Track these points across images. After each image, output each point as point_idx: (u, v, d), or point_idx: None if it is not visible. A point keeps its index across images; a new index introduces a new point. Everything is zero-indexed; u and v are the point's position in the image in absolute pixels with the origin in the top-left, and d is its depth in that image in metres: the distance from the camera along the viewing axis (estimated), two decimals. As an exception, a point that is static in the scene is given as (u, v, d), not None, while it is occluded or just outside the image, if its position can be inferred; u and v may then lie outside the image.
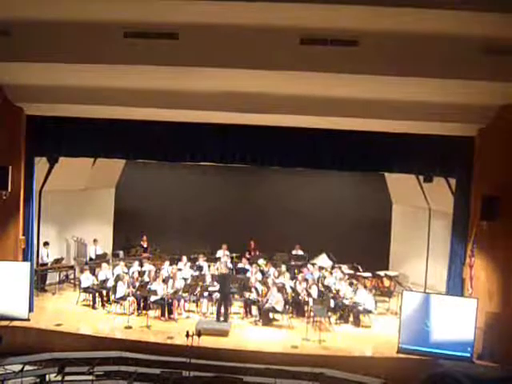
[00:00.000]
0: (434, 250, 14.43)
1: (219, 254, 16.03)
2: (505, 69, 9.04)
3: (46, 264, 14.66)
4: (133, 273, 13.90)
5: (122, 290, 12.92)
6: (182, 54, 9.35)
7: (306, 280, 13.55)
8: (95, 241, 15.69)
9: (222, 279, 12.82)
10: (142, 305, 12.86)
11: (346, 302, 12.88)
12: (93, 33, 9.27)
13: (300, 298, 13.03)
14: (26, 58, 9.62)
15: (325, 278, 14.23)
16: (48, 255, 14.77)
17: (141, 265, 14.63)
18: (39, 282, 14.11)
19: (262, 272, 14.52)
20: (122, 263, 14.36)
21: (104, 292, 13.51)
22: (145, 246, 16.78)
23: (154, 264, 15.01)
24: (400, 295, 11.86)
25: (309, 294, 12.91)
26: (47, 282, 14.74)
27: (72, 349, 10.80)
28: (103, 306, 13.39)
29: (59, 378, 9.64)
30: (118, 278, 13.24)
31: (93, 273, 14.09)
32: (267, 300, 12.63)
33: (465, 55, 9.02)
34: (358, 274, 15.01)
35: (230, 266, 14.89)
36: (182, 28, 9.11)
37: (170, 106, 11.20)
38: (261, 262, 15.25)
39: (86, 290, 13.51)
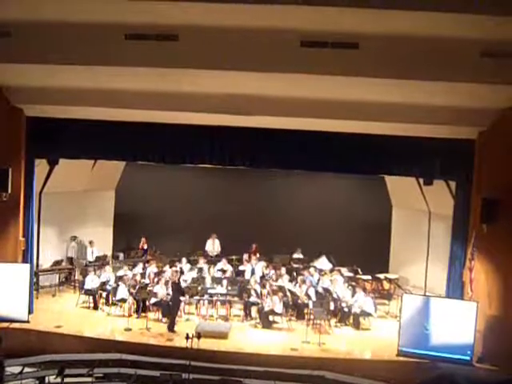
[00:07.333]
0: (434, 252, 14.41)
1: (208, 244, 16.45)
2: (505, 72, 9.03)
3: (90, 262, 15.07)
4: (134, 275, 13.89)
5: (122, 291, 12.92)
6: (182, 56, 9.34)
7: (306, 282, 13.52)
8: (91, 242, 15.73)
9: (175, 287, 12.53)
10: (141, 307, 12.84)
11: (345, 304, 12.87)
12: (93, 35, 9.24)
13: (299, 300, 13.01)
14: (26, 59, 9.61)
15: (327, 281, 14.19)
16: (92, 253, 15.33)
17: (144, 267, 14.62)
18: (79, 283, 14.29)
19: (262, 274, 14.50)
20: (125, 267, 14.35)
21: (104, 294, 13.49)
22: (145, 247, 16.78)
23: (157, 266, 14.98)
24: (400, 298, 11.82)
25: (308, 297, 12.90)
26: (50, 283, 14.79)
27: (71, 351, 10.80)
28: (102, 308, 13.36)
29: (59, 379, 9.61)
30: (118, 280, 13.23)
31: (94, 274, 14.07)
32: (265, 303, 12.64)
33: (465, 58, 9.00)
34: (358, 276, 15.00)
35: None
36: (182, 30, 9.10)
37: (170, 108, 11.22)
38: (261, 264, 15.23)
39: (86, 291, 13.49)
